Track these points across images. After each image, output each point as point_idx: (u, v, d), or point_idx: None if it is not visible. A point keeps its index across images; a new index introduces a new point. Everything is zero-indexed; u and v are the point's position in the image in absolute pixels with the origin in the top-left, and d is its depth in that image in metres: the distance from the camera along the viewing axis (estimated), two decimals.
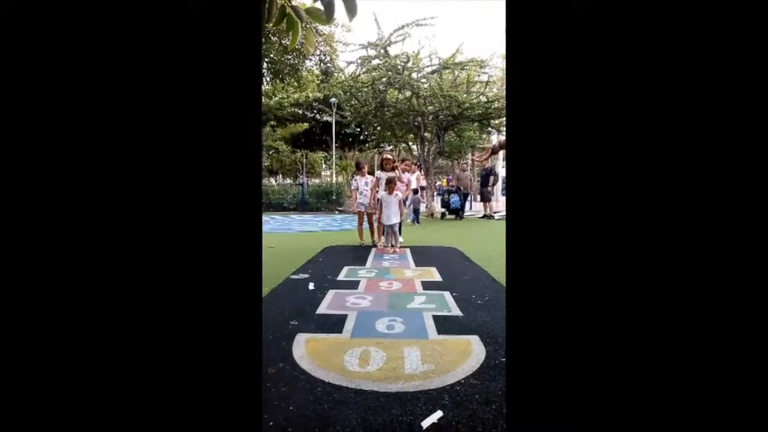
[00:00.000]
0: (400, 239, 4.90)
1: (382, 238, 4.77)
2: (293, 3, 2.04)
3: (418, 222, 7.71)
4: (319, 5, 1.95)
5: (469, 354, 1.75)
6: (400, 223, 4.87)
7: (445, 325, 2.13)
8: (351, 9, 1.79)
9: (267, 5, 1.98)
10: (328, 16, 1.95)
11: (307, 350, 1.79)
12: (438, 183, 15.56)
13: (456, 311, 2.38)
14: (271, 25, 2.09)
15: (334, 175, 17.71)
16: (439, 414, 1.27)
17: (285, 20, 2.04)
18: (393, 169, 5.08)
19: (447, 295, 2.73)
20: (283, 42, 12.41)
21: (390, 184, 4.70)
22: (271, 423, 1.22)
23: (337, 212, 11.05)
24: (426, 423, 1.22)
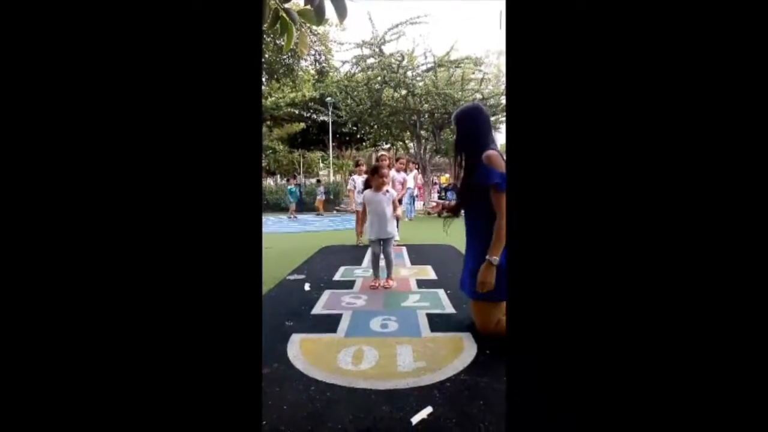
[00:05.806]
0: (396, 252, 3.56)
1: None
2: (285, 6, 2.06)
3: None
4: (309, 7, 1.98)
5: (460, 351, 1.78)
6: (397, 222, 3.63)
7: (438, 322, 2.16)
8: (341, 11, 1.81)
9: None
10: (318, 18, 1.97)
11: (301, 350, 1.81)
12: (434, 180, 15.55)
13: (449, 309, 2.41)
14: (265, 27, 2.11)
15: (331, 175, 17.71)
16: (428, 410, 1.30)
17: (278, 23, 2.06)
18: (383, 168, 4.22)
19: (441, 292, 2.76)
20: (277, 42, 12.39)
21: (376, 177, 2.98)
22: (265, 422, 1.24)
23: (335, 212, 11.06)
24: (416, 419, 1.25)
